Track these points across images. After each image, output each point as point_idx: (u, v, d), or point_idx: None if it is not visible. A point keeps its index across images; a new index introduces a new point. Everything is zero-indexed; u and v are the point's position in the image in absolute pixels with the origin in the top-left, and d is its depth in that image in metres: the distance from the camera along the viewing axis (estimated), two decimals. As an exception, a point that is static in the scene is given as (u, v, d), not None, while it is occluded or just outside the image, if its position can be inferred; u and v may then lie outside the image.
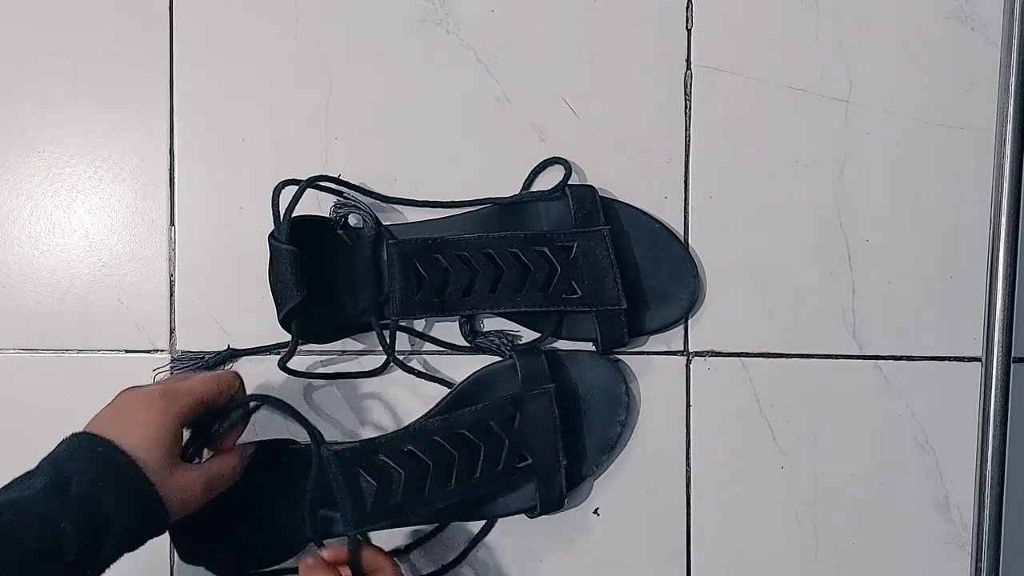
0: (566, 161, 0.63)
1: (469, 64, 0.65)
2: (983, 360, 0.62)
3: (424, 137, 0.64)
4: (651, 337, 0.64)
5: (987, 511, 0.61)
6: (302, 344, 0.60)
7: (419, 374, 0.63)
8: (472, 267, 0.61)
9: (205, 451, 0.56)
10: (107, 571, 0.48)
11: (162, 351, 0.65)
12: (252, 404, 0.56)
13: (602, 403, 0.62)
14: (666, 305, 0.63)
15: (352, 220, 0.63)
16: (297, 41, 0.65)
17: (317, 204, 0.63)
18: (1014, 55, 0.62)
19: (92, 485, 0.46)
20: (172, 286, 0.65)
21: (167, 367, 0.64)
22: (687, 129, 0.64)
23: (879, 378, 0.64)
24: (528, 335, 0.63)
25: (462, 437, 0.58)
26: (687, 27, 0.64)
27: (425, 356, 0.64)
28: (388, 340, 0.61)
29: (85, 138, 0.65)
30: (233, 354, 0.63)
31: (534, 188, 0.64)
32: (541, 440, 0.60)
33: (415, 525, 0.62)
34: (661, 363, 0.64)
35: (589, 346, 0.63)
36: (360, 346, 0.64)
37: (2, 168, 0.65)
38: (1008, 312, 0.61)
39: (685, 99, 0.64)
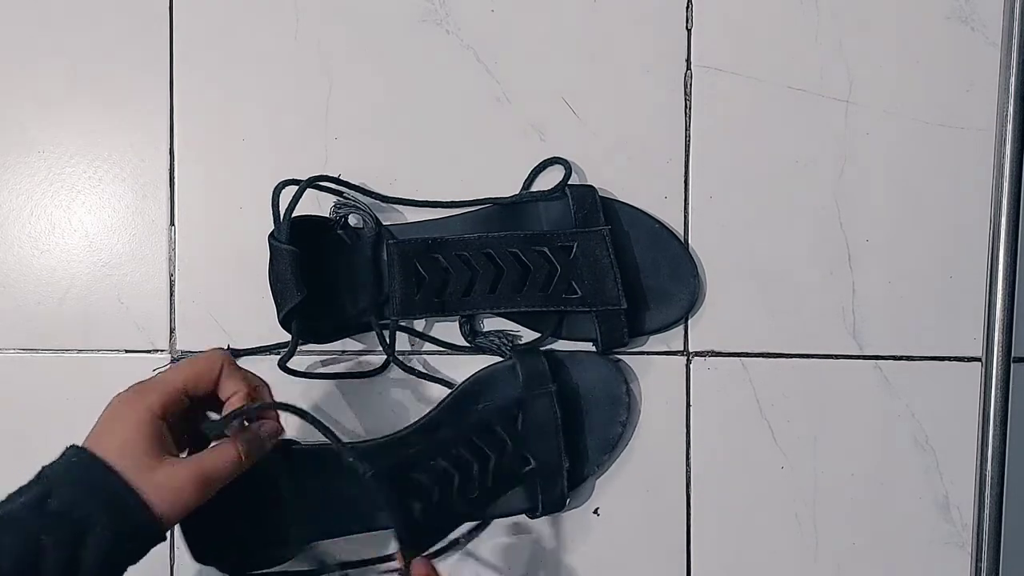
0: (566, 161, 0.63)
1: (469, 64, 0.65)
2: (983, 360, 0.62)
3: (424, 137, 0.64)
4: (651, 337, 0.64)
5: (987, 511, 0.61)
6: (302, 344, 0.60)
7: (419, 374, 0.63)
8: (472, 267, 0.61)
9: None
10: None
11: (162, 351, 0.65)
12: (253, 408, 0.53)
13: (603, 403, 0.62)
14: (666, 305, 0.63)
15: (352, 220, 0.63)
16: (297, 41, 0.65)
17: (317, 204, 0.63)
18: (1014, 55, 0.62)
19: (70, 494, 0.45)
20: (172, 286, 0.65)
21: (167, 367, 0.64)
22: (687, 129, 0.64)
23: (879, 378, 0.64)
24: (528, 335, 0.63)
25: (472, 444, 0.58)
26: (687, 27, 0.64)
27: (425, 356, 0.64)
28: (388, 340, 0.61)
29: (85, 138, 0.65)
30: (233, 354, 0.63)
31: (534, 188, 0.64)
32: (543, 442, 0.60)
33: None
34: (661, 363, 0.64)
35: (589, 346, 0.63)
36: (360, 346, 0.64)
37: (2, 168, 0.65)
38: (1008, 312, 0.61)
39: (685, 99, 0.64)
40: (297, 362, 0.61)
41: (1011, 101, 0.61)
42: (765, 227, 0.64)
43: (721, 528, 0.64)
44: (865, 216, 0.64)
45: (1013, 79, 0.61)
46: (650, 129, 0.64)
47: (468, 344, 0.63)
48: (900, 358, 0.64)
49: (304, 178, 0.60)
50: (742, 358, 0.64)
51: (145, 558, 0.47)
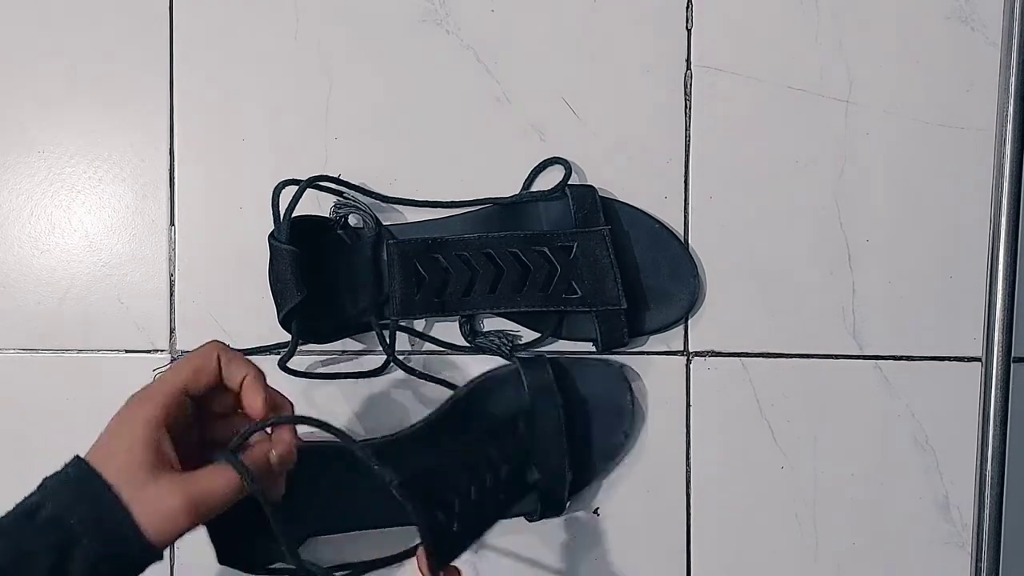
0: (566, 161, 0.63)
1: (469, 64, 0.65)
2: (983, 360, 0.62)
3: (424, 137, 0.64)
4: (651, 337, 0.64)
5: (987, 511, 0.61)
6: (302, 344, 0.60)
7: (419, 374, 0.62)
8: (472, 267, 0.61)
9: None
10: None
11: (162, 351, 0.65)
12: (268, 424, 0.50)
13: (607, 412, 0.62)
14: (666, 305, 0.63)
15: (352, 220, 0.63)
16: (297, 41, 0.65)
17: (317, 204, 0.63)
18: (1014, 55, 0.62)
19: (62, 504, 0.43)
20: (172, 286, 0.65)
21: (167, 367, 0.64)
22: (687, 129, 0.64)
23: (879, 378, 0.64)
24: (528, 335, 0.63)
25: (485, 455, 0.58)
26: (687, 27, 0.64)
27: (425, 356, 0.64)
28: (388, 340, 0.61)
29: (85, 138, 0.65)
30: (233, 354, 0.63)
31: (534, 188, 0.64)
32: (549, 453, 0.59)
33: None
34: (661, 363, 0.64)
35: (589, 346, 0.63)
36: (360, 346, 0.64)
37: (2, 168, 0.65)
38: (1008, 312, 0.61)
39: (685, 99, 0.64)
40: (297, 362, 0.61)
41: (1011, 101, 0.61)
42: (765, 227, 0.64)
43: (721, 528, 0.64)
44: (865, 216, 0.64)
45: (1013, 79, 0.61)
46: (650, 129, 0.64)
47: (468, 344, 0.63)
48: (900, 358, 0.64)
49: (304, 178, 0.60)
50: (742, 358, 0.64)
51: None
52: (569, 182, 0.63)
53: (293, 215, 0.59)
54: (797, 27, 0.64)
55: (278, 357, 0.60)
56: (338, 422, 0.64)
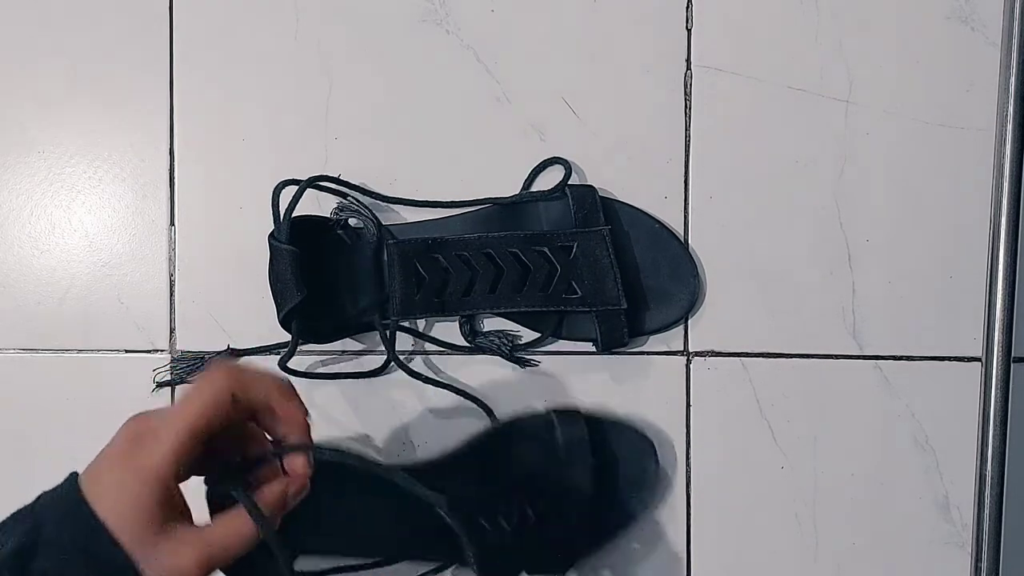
0: (566, 161, 0.63)
1: (469, 64, 0.65)
2: (983, 360, 0.62)
3: (424, 137, 0.64)
4: (651, 337, 0.64)
5: (987, 511, 0.61)
6: (302, 344, 0.60)
7: (419, 376, 0.62)
8: (472, 267, 0.61)
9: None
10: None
11: (162, 351, 0.65)
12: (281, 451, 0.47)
13: (632, 477, 0.62)
14: (666, 305, 0.63)
15: (352, 221, 0.63)
16: (297, 41, 0.65)
17: (317, 204, 0.63)
18: (1014, 55, 0.62)
19: (62, 554, 0.40)
20: (172, 286, 0.65)
21: (167, 367, 0.64)
22: (687, 129, 0.64)
23: (879, 378, 0.64)
24: (528, 335, 0.63)
25: (515, 502, 0.57)
26: (687, 27, 0.64)
27: (425, 356, 0.64)
28: (388, 340, 0.61)
29: (85, 138, 0.65)
30: (233, 354, 0.63)
31: (534, 188, 0.64)
32: (573, 506, 0.59)
33: None
34: (661, 363, 0.64)
35: (590, 347, 0.63)
36: (360, 346, 0.64)
37: (2, 168, 0.65)
38: (1008, 312, 0.61)
39: (685, 99, 0.64)
40: (297, 362, 0.61)
41: (1011, 101, 0.61)
42: (765, 227, 0.64)
43: (721, 528, 0.64)
44: (865, 216, 0.64)
45: (1013, 79, 0.61)
46: (650, 129, 0.64)
47: (468, 344, 0.63)
48: (900, 358, 0.64)
49: (304, 178, 0.60)
50: (742, 358, 0.64)
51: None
52: (569, 182, 0.63)
53: (293, 215, 0.59)
54: (797, 27, 0.64)
55: (278, 357, 0.60)
56: (338, 422, 0.64)
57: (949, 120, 0.64)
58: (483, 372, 0.64)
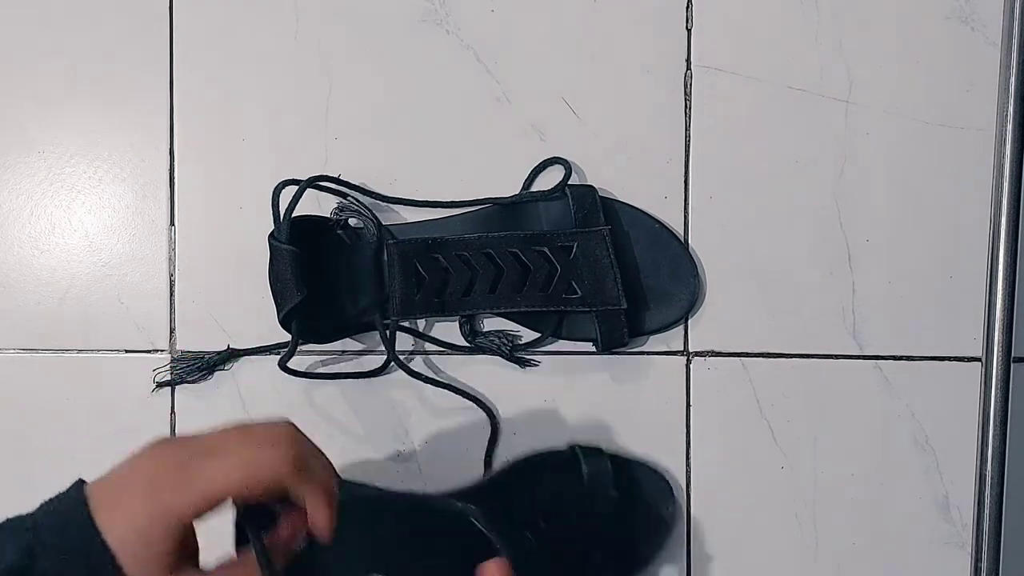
0: (566, 161, 0.63)
1: (469, 64, 0.65)
2: (983, 360, 0.62)
3: (424, 137, 0.64)
4: (651, 337, 0.64)
5: (987, 511, 0.61)
6: (302, 344, 0.60)
7: (419, 376, 0.62)
8: (472, 267, 0.61)
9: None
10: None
11: (162, 351, 0.65)
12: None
13: (651, 519, 0.62)
14: (666, 305, 0.63)
15: (352, 221, 0.63)
16: (297, 41, 0.65)
17: (317, 204, 0.63)
18: (1014, 55, 0.62)
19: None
20: (172, 286, 0.65)
21: (167, 367, 0.64)
22: (687, 129, 0.64)
23: (879, 378, 0.64)
24: (528, 335, 0.63)
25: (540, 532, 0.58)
26: (687, 27, 0.64)
27: (425, 356, 0.64)
28: (388, 340, 0.61)
29: (85, 138, 0.65)
30: (233, 354, 0.63)
31: (534, 188, 0.64)
32: (596, 544, 0.59)
33: None
34: (661, 363, 0.64)
35: (590, 346, 0.63)
36: (360, 346, 0.64)
37: (2, 168, 0.65)
38: (1008, 312, 0.61)
39: (685, 99, 0.64)
40: (297, 362, 0.61)
41: (1011, 101, 0.61)
42: (765, 227, 0.64)
43: (721, 528, 0.64)
44: (865, 216, 0.64)
45: (1013, 79, 0.61)
46: (650, 129, 0.64)
47: (468, 344, 0.63)
48: (900, 358, 0.64)
49: (304, 178, 0.60)
50: (742, 358, 0.64)
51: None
52: (569, 182, 0.63)
53: (293, 215, 0.59)
54: (797, 27, 0.64)
55: (278, 357, 0.60)
56: (338, 422, 0.64)
57: (949, 120, 0.64)
58: (483, 372, 0.64)
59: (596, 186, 0.63)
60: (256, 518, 0.42)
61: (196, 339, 0.64)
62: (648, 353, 0.64)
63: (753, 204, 0.64)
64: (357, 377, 0.63)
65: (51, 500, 0.40)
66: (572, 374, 0.64)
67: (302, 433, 0.43)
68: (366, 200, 0.63)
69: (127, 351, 0.65)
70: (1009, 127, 0.61)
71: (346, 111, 0.65)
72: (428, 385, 0.62)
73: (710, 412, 0.64)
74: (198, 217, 0.65)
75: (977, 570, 0.61)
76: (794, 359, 0.64)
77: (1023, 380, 0.62)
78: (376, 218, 0.61)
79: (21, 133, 0.65)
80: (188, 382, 0.64)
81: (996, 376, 0.61)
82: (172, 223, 0.65)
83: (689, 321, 0.64)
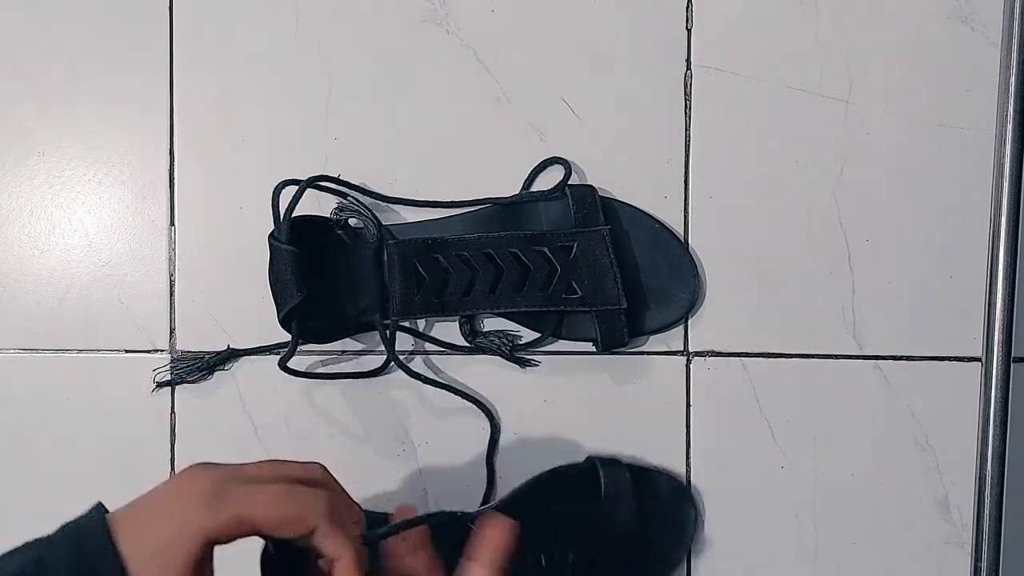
0: (566, 161, 0.63)
1: (469, 64, 0.65)
2: (983, 360, 0.62)
3: (424, 137, 0.64)
4: (651, 337, 0.64)
5: (987, 511, 0.61)
6: (302, 344, 0.60)
7: (419, 376, 0.62)
8: (472, 267, 0.61)
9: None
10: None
11: (162, 351, 0.65)
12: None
13: (670, 527, 0.62)
14: (666, 305, 0.63)
15: (352, 221, 0.63)
16: (297, 41, 0.65)
17: (317, 204, 0.63)
18: (1014, 55, 0.62)
19: None
20: (172, 286, 0.65)
21: (167, 367, 0.64)
22: (687, 129, 0.64)
23: (879, 378, 0.64)
24: (528, 335, 0.63)
25: (559, 545, 0.58)
26: (687, 27, 0.64)
27: (425, 356, 0.64)
28: (388, 340, 0.61)
29: (85, 139, 0.65)
30: (233, 354, 0.63)
31: (534, 188, 0.64)
32: (615, 555, 0.59)
33: None
34: (661, 363, 0.64)
35: (590, 346, 0.63)
36: (360, 346, 0.64)
37: (2, 169, 0.65)
38: (1008, 312, 0.61)
39: (685, 99, 0.64)
40: (297, 362, 0.61)
41: (1011, 101, 0.61)
42: (765, 227, 0.64)
43: (721, 528, 0.64)
44: (865, 216, 0.64)
45: (1013, 79, 0.62)
46: (650, 129, 0.64)
47: (468, 344, 0.63)
48: (900, 358, 0.64)
49: (304, 178, 0.60)
50: (742, 358, 0.64)
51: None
52: (569, 182, 0.63)
53: (293, 215, 0.59)
54: (797, 27, 0.64)
55: (278, 357, 0.60)
56: (338, 422, 0.64)
57: (949, 120, 0.64)
58: (483, 372, 0.64)
59: (596, 186, 0.63)
60: (284, 557, 0.42)
61: (196, 339, 0.64)
62: (648, 353, 0.64)
63: (753, 204, 0.64)
64: (357, 377, 0.63)
65: (71, 524, 0.40)
66: (572, 374, 0.64)
67: (336, 480, 0.43)
68: (366, 200, 0.63)
69: (127, 351, 0.65)
70: (1009, 127, 0.61)
71: (346, 111, 0.65)
72: (428, 385, 0.62)
73: (710, 412, 0.64)
74: (198, 217, 0.65)
75: (977, 570, 0.61)
76: (794, 359, 0.64)
77: (1023, 380, 0.62)
78: (376, 218, 0.61)
79: (21, 134, 0.65)
80: (188, 382, 0.64)
81: (996, 376, 0.61)
82: (172, 223, 0.65)
83: (689, 321, 0.64)
